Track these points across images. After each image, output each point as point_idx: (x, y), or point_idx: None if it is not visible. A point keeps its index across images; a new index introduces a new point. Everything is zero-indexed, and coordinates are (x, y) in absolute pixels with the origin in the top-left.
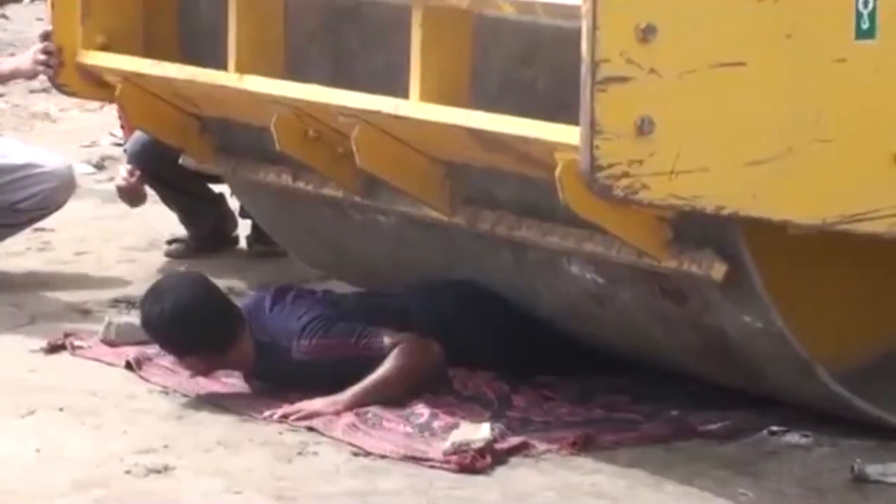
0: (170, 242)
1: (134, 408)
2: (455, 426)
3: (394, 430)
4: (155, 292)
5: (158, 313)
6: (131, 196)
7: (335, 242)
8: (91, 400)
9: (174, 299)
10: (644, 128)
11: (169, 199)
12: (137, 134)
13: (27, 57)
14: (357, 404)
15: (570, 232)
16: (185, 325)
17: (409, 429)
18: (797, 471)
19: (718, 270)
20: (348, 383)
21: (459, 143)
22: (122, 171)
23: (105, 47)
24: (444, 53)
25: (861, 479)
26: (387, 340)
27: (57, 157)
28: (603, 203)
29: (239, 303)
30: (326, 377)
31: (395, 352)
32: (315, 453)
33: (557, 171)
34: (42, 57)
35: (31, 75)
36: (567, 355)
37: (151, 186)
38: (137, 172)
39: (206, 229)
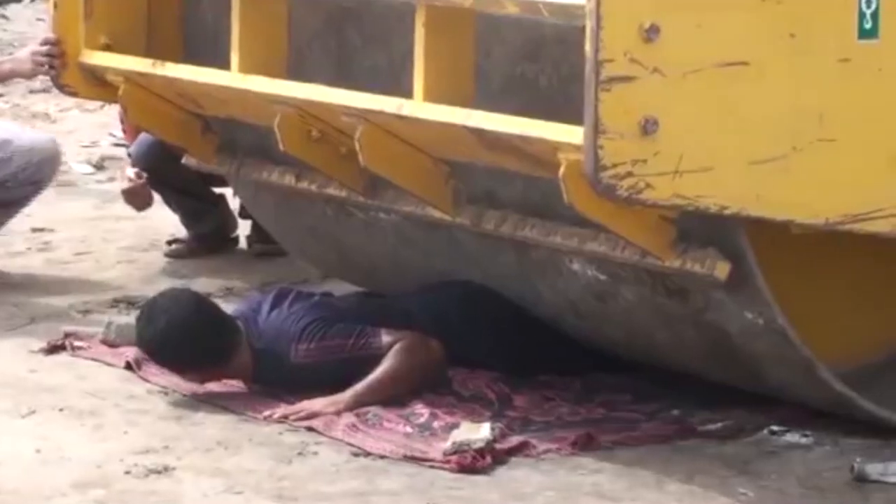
0: (170, 243)
1: (134, 408)
2: (455, 426)
3: (394, 430)
4: (148, 313)
5: (152, 334)
6: (139, 199)
7: (338, 242)
8: (91, 400)
9: (168, 319)
10: (648, 127)
11: (172, 200)
12: (142, 136)
13: (25, 57)
14: (358, 404)
15: (573, 231)
16: (181, 344)
17: (409, 429)
18: (798, 470)
19: (722, 270)
20: (348, 385)
21: (463, 142)
22: (128, 173)
23: (108, 47)
24: (448, 53)
25: (861, 479)
26: (386, 339)
27: (40, 133)
28: (607, 203)
29: (237, 304)
30: (326, 380)
31: (394, 350)
32: (315, 453)
33: (561, 171)
34: (42, 59)
35: (30, 76)
36: (569, 354)
37: (154, 188)
38: (145, 175)
39: (208, 231)
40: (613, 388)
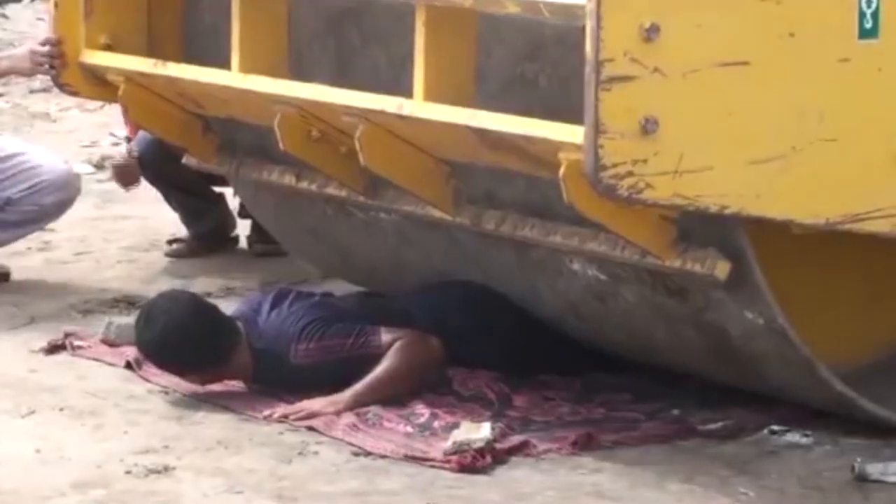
0: (170, 242)
1: (134, 408)
2: (455, 426)
3: (394, 429)
4: (147, 315)
5: (151, 337)
6: (127, 176)
7: (338, 242)
8: (91, 400)
9: (167, 321)
10: (648, 127)
11: (172, 198)
12: (142, 133)
13: (24, 55)
14: (358, 403)
15: (574, 231)
16: (180, 346)
17: (409, 428)
18: (798, 470)
19: (722, 269)
20: (349, 384)
21: (463, 142)
22: (122, 150)
23: (108, 47)
24: (448, 53)
25: (862, 479)
26: (385, 338)
27: (58, 159)
28: (607, 202)
29: (237, 304)
30: (326, 379)
31: (393, 348)
32: (315, 453)
33: (561, 171)
34: (42, 58)
35: (29, 74)
36: (569, 354)
37: (156, 186)
38: (136, 154)
39: (208, 229)
40: (613, 388)
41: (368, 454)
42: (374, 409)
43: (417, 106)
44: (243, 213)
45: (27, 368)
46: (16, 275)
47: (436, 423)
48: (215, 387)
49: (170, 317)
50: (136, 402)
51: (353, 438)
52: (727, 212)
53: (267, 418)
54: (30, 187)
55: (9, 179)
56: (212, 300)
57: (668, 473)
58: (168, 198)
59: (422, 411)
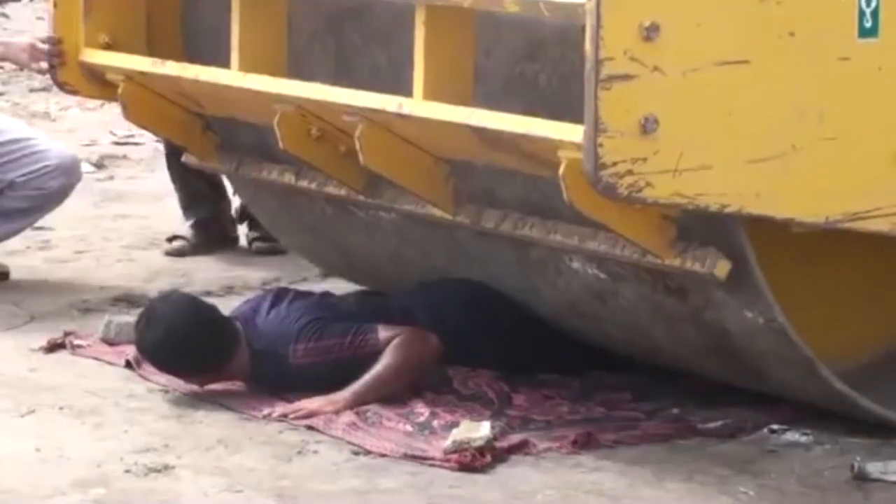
0: (170, 240)
1: (134, 407)
2: (455, 425)
3: (394, 428)
4: (147, 318)
5: (152, 341)
6: None
7: (338, 241)
8: (91, 399)
9: (167, 326)
10: (648, 126)
11: (177, 176)
12: None
13: (22, 46)
14: (357, 402)
15: (573, 230)
16: (181, 351)
17: (409, 427)
18: (798, 469)
19: (722, 268)
20: (348, 383)
21: (463, 141)
22: None
23: (108, 46)
24: (448, 52)
25: (861, 478)
26: (383, 335)
27: (62, 145)
28: (607, 201)
29: (237, 304)
30: (326, 379)
31: (392, 345)
32: (315, 452)
33: (561, 170)
34: (41, 55)
35: (23, 65)
36: (568, 353)
37: (166, 158)
38: None
39: (206, 216)
40: (613, 387)
41: (368, 453)
42: (373, 408)
43: (417, 105)
44: (242, 217)
45: (27, 367)
46: (15, 273)
47: (435, 422)
48: (215, 386)
49: (170, 321)
50: (136, 400)
51: (352, 437)
52: (727, 210)
53: (266, 417)
54: (36, 170)
55: (14, 162)
56: (212, 299)
57: (667, 472)
58: (173, 173)
59: (421, 410)
